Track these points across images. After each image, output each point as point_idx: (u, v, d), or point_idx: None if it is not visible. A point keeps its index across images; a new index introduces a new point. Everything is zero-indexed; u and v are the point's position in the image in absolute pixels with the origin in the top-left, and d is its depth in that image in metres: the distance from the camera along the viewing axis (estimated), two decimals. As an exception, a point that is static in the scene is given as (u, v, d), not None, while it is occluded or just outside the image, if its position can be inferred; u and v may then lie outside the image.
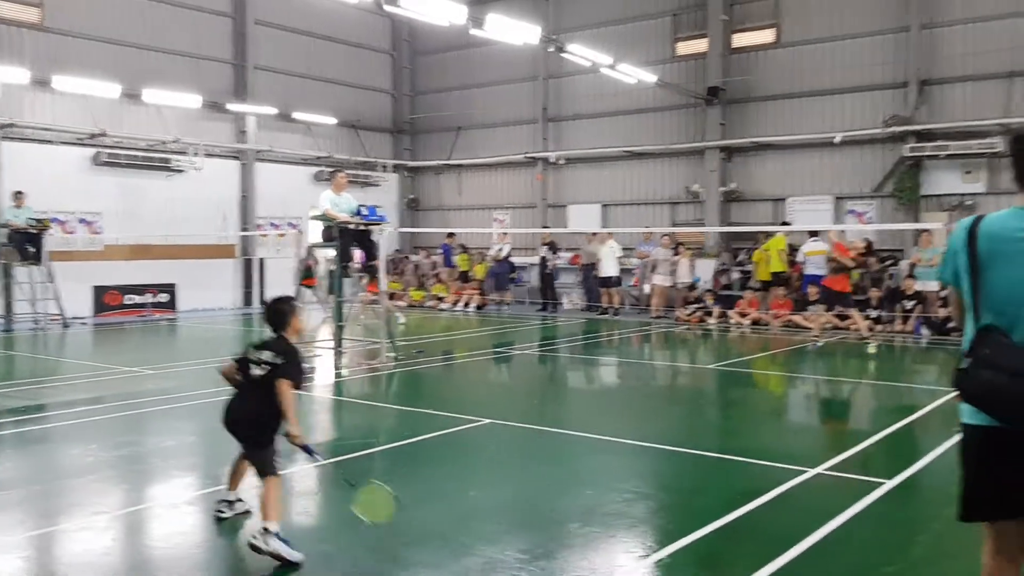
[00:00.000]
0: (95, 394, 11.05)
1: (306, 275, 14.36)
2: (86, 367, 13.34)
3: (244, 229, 24.31)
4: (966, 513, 3.50)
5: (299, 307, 6.25)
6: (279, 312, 5.84)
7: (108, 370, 12.90)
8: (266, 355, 5.56)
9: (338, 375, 12.78)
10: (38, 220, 18.34)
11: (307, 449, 5.43)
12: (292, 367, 5.55)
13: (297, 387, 5.56)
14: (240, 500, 6.06)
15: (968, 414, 3.47)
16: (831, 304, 16.28)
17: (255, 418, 5.58)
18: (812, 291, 18.71)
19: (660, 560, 5.26)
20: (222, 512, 6.00)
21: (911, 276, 17.94)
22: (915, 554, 5.47)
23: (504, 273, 23.85)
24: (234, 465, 6.00)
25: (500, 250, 23.76)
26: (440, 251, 25.90)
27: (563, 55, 19.48)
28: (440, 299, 24.12)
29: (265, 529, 5.20)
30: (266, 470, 5.52)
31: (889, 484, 6.78)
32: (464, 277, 24.46)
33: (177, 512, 6.36)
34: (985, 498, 3.44)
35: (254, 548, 5.20)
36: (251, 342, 5.76)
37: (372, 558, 5.34)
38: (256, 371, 5.58)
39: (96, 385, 11.74)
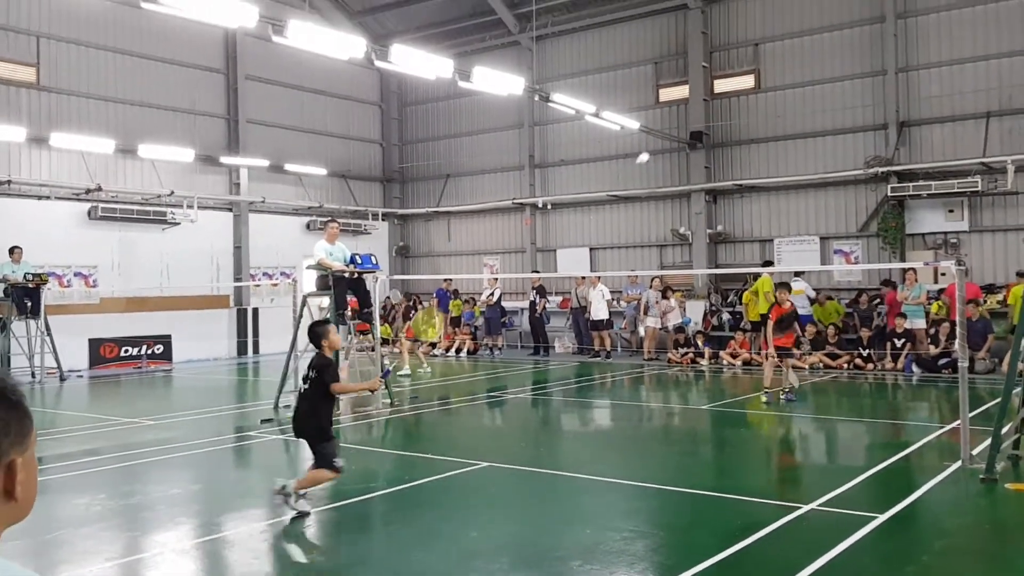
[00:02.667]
0: (97, 445, 11.14)
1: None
2: (86, 419, 13.42)
3: (238, 279, 24.49)
4: None
5: (331, 327, 7.85)
6: (313, 333, 7.67)
7: (108, 421, 12.99)
8: (311, 372, 7.37)
9: (335, 421, 12.87)
10: (35, 275, 18.49)
11: (384, 373, 9.00)
12: (328, 373, 7.34)
13: (335, 385, 7.43)
14: (302, 499, 7.26)
15: None
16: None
17: (307, 418, 7.42)
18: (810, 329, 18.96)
19: (660, 595, 5.41)
20: (287, 501, 7.24)
21: (900, 315, 18.19)
22: (907, 584, 5.63)
23: (495, 318, 24.06)
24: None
25: (491, 295, 23.99)
26: (435, 296, 26.06)
27: (548, 104, 19.90)
28: (433, 345, 24.24)
29: (299, 493, 7.13)
30: (322, 463, 7.28)
31: (881, 518, 6.94)
32: (457, 322, 24.63)
33: (188, 557, 6.48)
34: None
35: (284, 500, 7.16)
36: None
37: (380, 599, 5.46)
38: (303, 385, 7.47)
39: (97, 437, 11.82)
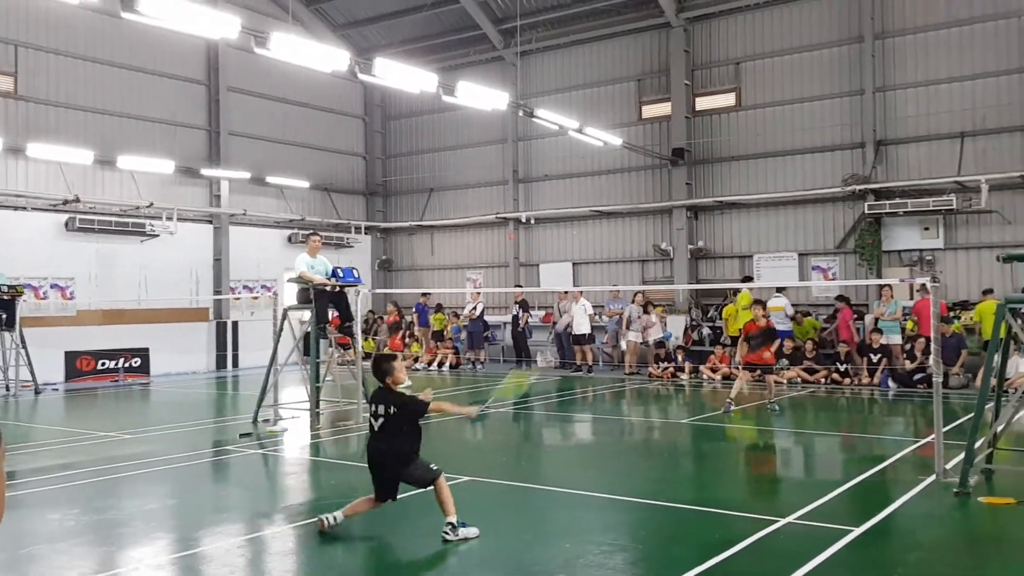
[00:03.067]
0: (72, 459, 11.06)
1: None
2: (61, 433, 13.31)
3: (217, 292, 24.39)
4: None
5: (398, 362, 7.52)
6: (379, 368, 7.35)
7: (84, 435, 12.90)
8: (390, 409, 7.17)
9: (315, 436, 12.86)
10: (10, 286, 18.35)
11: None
12: (410, 408, 7.23)
13: (425, 410, 7.28)
14: (337, 524, 7.29)
15: None
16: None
17: (394, 452, 7.21)
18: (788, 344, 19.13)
19: (638, 608, 5.43)
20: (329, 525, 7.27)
21: (876, 330, 18.38)
22: (882, 597, 5.67)
23: (478, 332, 24.06)
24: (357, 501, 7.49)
25: (474, 309, 24.00)
26: (414, 311, 26.09)
27: (532, 119, 19.99)
28: (416, 359, 24.24)
29: (451, 524, 6.93)
30: (426, 480, 7.17)
31: (857, 531, 7.01)
32: (439, 336, 24.63)
33: (164, 573, 6.44)
34: None
35: (446, 540, 6.86)
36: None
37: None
38: (377, 422, 7.22)
39: (73, 451, 11.73)
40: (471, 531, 6.98)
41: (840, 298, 19.82)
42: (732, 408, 14.35)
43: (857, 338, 19.22)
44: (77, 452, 11.61)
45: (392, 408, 7.16)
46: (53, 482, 9.64)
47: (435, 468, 7.16)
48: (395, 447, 7.17)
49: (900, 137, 20.83)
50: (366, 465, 7.44)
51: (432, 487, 7.14)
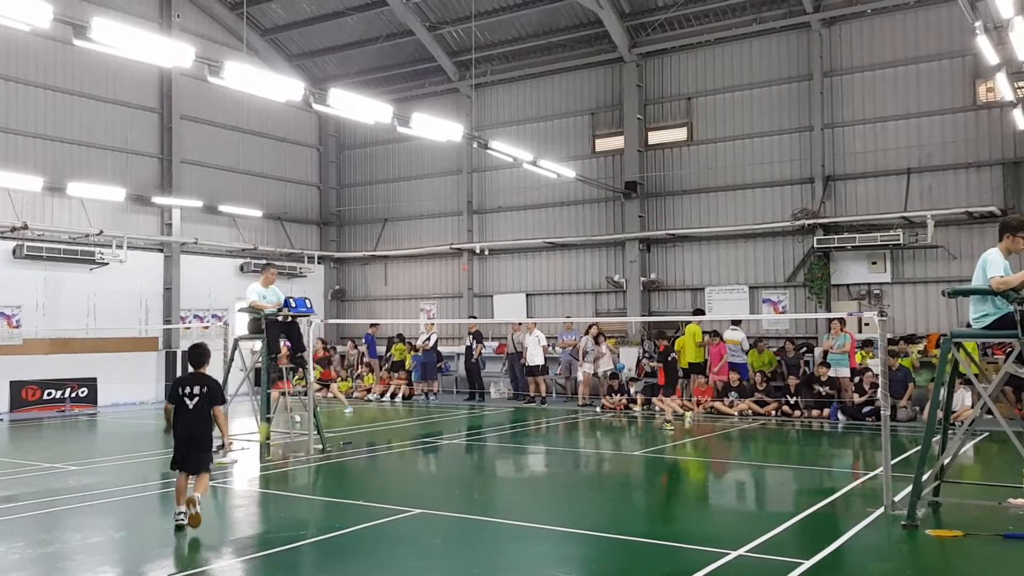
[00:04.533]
0: (16, 491, 10.79)
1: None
2: (4, 464, 12.97)
3: (167, 321, 24.04)
4: None
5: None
6: (200, 355, 9.14)
7: (28, 467, 12.60)
8: (196, 389, 8.81)
9: (265, 467, 12.68)
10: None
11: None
12: (217, 392, 8.99)
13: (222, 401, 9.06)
14: (184, 514, 8.33)
15: None
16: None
17: (198, 434, 8.87)
18: (732, 377, 19.37)
19: (590, 642, 5.41)
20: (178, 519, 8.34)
21: (824, 363, 18.63)
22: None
23: (431, 363, 23.97)
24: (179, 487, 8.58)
25: (427, 339, 23.92)
26: (364, 341, 25.95)
27: (486, 151, 20.10)
28: (368, 390, 24.07)
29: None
30: (203, 467, 8.83)
31: (807, 564, 7.06)
32: (400, 366, 24.42)
33: (106, 610, 6.29)
34: None
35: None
36: None
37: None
38: (192, 401, 8.78)
39: (17, 482, 11.45)
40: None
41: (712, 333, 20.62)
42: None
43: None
44: (21, 484, 11.33)
45: (204, 388, 8.73)
46: (1, 513, 9.39)
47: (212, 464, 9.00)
48: (200, 430, 8.72)
49: (848, 173, 21.29)
50: (313, 497, 7.36)
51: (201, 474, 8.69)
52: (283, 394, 15.47)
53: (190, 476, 8.63)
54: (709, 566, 7.00)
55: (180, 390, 8.76)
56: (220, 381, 9.39)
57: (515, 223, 26.31)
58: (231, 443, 9.56)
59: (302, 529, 8.64)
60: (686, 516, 9.70)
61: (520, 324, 22.84)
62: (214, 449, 9.32)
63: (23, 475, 12.00)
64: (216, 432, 9.04)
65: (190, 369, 9.06)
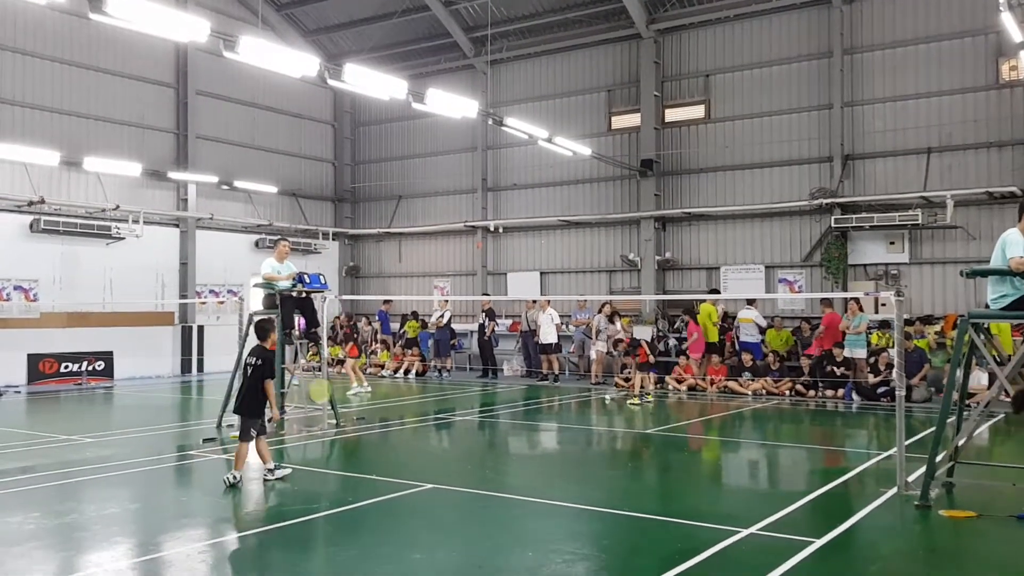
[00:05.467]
0: (33, 462, 10.91)
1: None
2: (23, 435, 13.10)
3: (183, 296, 24.16)
4: None
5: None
6: (263, 330, 10.16)
7: (45, 438, 12.72)
8: (255, 360, 9.78)
9: (280, 441, 12.73)
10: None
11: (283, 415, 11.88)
12: (269, 366, 9.84)
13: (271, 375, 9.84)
14: (238, 481, 9.21)
15: None
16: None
17: (249, 399, 9.82)
18: (746, 357, 19.31)
19: (600, 617, 5.42)
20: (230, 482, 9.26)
21: (839, 344, 18.53)
22: (842, 607, 5.71)
23: (445, 340, 24.01)
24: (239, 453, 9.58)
25: (441, 316, 23.94)
26: (377, 318, 25.99)
27: (501, 128, 20.02)
28: (381, 366, 24.15)
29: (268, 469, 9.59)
30: (246, 436, 9.71)
31: (819, 543, 7.05)
32: (413, 343, 24.48)
33: (120, 579, 6.36)
34: None
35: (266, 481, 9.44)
36: None
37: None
38: (249, 370, 9.67)
39: (34, 453, 11.57)
40: (285, 471, 9.61)
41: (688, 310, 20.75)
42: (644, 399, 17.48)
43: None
44: (38, 455, 11.45)
45: (259, 360, 9.55)
46: (13, 485, 9.49)
47: (254, 434, 9.50)
48: (251, 400, 9.52)
49: (867, 152, 21.08)
50: (327, 471, 7.42)
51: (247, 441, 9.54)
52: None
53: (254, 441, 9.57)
54: (721, 543, 7.01)
55: (246, 360, 9.78)
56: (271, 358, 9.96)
57: (529, 201, 26.23)
58: (278, 416, 10.09)
59: (315, 502, 8.69)
60: (698, 494, 9.69)
61: (534, 302, 22.82)
62: (266, 419, 9.96)
63: (40, 447, 12.12)
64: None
65: (256, 341, 10.04)
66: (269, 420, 10.12)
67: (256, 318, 11.09)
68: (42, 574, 6.39)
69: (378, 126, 29.68)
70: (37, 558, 6.81)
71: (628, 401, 17.75)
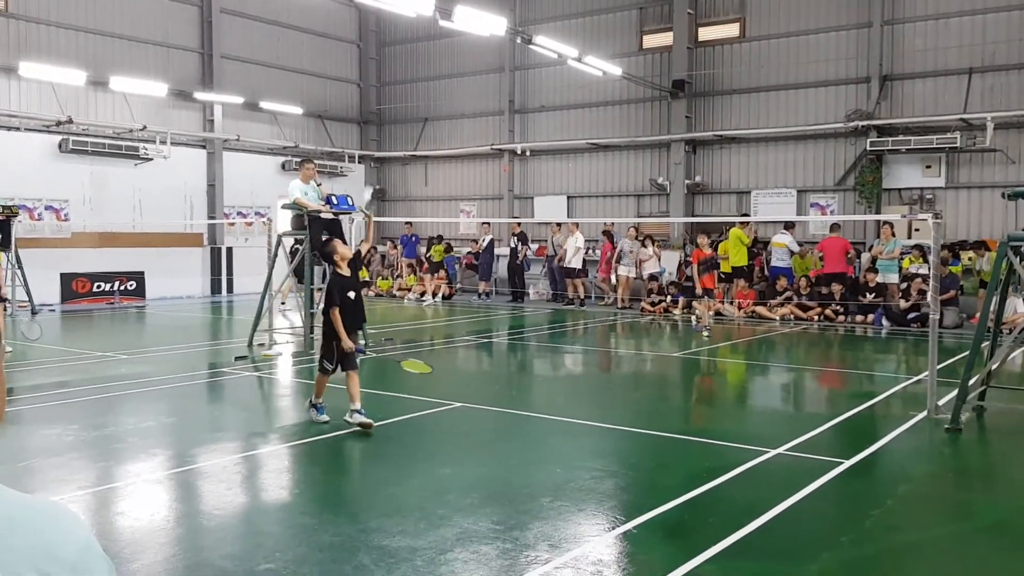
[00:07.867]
0: (69, 377, 11.10)
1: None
2: (59, 352, 13.33)
3: (211, 218, 24.25)
4: None
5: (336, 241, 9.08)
6: (324, 254, 9.44)
7: (81, 355, 12.93)
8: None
9: (309, 360, 12.87)
10: (5, 206, 18.18)
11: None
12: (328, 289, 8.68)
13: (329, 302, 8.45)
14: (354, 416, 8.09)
15: None
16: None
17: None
18: (780, 282, 19.16)
19: (628, 531, 5.49)
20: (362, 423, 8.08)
21: (872, 269, 18.33)
22: (868, 525, 5.72)
23: (487, 263, 23.98)
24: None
25: (483, 241, 23.87)
26: (400, 242, 25.96)
27: (530, 47, 19.65)
28: (408, 289, 24.21)
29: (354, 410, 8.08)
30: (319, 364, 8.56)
31: (847, 463, 7.06)
32: (438, 267, 24.48)
33: (161, 487, 6.50)
34: None
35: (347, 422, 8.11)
36: None
37: (353, 528, 5.50)
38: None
39: (70, 368, 11.77)
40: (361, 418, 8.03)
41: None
42: (705, 331, 16.13)
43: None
44: (74, 370, 11.64)
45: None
46: (51, 399, 9.68)
47: (327, 366, 8.30)
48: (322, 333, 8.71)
49: (906, 72, 20.53)
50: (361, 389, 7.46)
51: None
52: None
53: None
54: (749, 463, 7.03)
55: None
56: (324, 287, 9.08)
57: (557, 123, 25.88)
58: (350, 346, 8.14)
59: (339, 418, 8.78)
60: (724, 415, 9.72)
61: (559, 226, 22.66)
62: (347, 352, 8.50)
63: (76, 362, 12.32)
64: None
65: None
66: (360, 351, 8.59)
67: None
68: (82, 483, 6.53)
69: (404, 46, 29.24)
70: (77, 467, 6.97)
71: (704, 333, 16.16)
